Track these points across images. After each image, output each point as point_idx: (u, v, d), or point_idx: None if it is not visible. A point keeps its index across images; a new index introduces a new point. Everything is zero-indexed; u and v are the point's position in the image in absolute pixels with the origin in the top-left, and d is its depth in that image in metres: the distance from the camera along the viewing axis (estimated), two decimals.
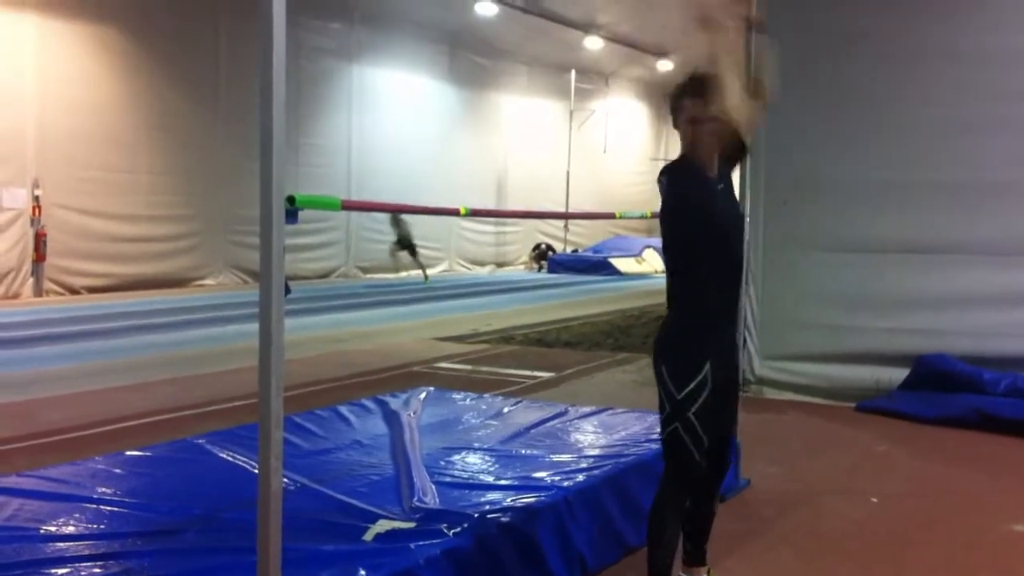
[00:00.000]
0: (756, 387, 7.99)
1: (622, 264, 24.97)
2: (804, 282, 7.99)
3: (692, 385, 3.45)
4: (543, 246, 27.00)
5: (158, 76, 17.70)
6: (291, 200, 2.73)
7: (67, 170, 16.35)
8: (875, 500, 5.30)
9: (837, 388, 7.75)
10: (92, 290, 16.60)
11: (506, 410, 5.86)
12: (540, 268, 26.46)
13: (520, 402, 6.24)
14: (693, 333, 3.55)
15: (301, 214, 2.98)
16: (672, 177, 3.60)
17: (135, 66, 17.40)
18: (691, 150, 3.58)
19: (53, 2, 16.05)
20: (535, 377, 9.12)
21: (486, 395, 6.60)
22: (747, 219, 7.51)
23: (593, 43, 26.22)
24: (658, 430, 5.15)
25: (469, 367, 9.65)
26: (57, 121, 16.18)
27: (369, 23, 22.03)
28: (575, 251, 27.71)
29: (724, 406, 3.67)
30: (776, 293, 7.95)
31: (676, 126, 3.68)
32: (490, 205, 25.86)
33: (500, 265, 26.80)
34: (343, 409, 5.72)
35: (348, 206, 3.11)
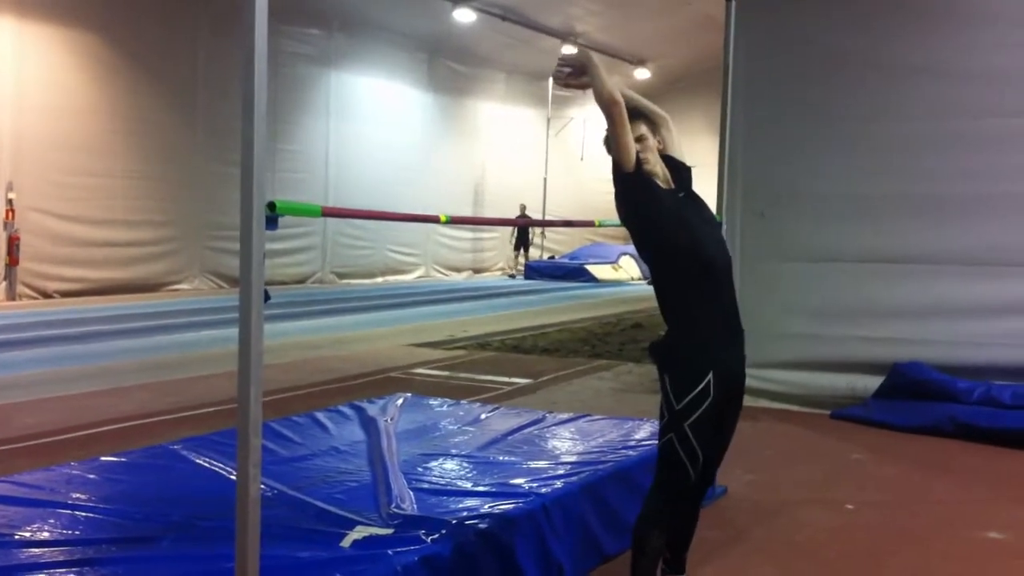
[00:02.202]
0: None
1: (599, 271, 25.05)
2: (780, 291, 8.06)
3: (691, 396, 3.42)
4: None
5: (135, 81, 17.62)
6: (271, 206, 2.71)
7: (42, 174, 16.24)
8: (851, 507, 5.34)
9: (812, 396, 7.81)
10: (66, 294, 16.48)
11: (483, 417, 5.86)
12: (518, 256, 26.48)
13: (497, 409, 6.24)
14: (695, 343, 3.50)
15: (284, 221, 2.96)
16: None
17: (112, 71, 17.31)
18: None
19: (30, 6, 15.96)
20: (512, 384, 9.13)
21: (463, 401, 6.60)
22: (724, 228, 7.60)
23: (572, 51, 26.29)
24: (636, 436, 5.21)
25: (446, 373, 9.65)
26: (33, 125, 16.08)
27: (347, 30, 22.02)
28: (552, 258, 27.78)
29: (724, 421, 3.65)
30: (752, 302, 7.94)
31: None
32: (467, 212, 25.88)
33: (477, 271, 26.82)
34: (320, 415, 5.70)
35: (328, 213, 3.10)
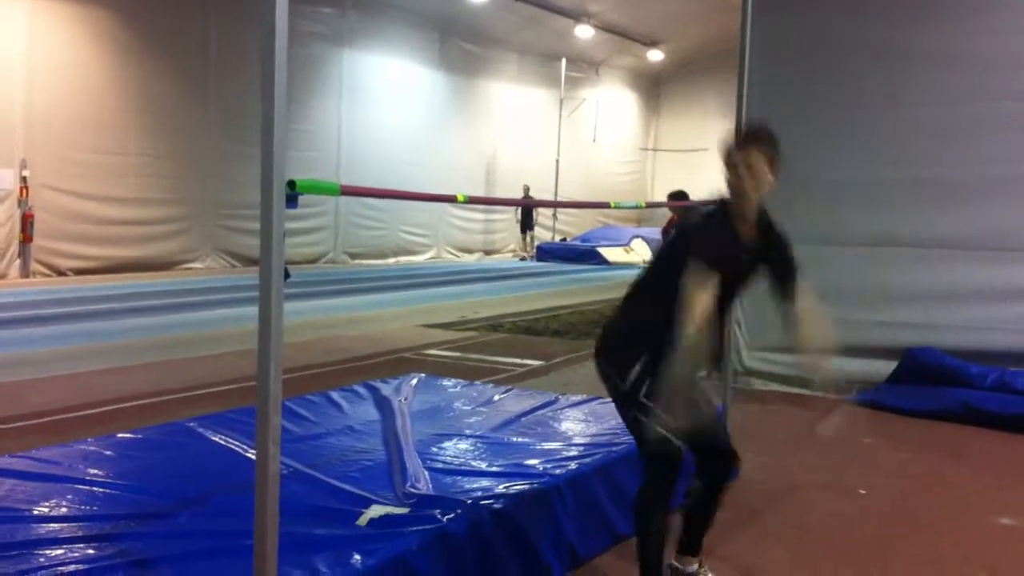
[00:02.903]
0: (744, 378, 8.03)
1: (610, 253, 25.02)
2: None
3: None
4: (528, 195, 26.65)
5: (147, 59, 17.63)
6: (292, 185, 2.72)
7: (56, 152, 16.29)
8: (863, 492, 5.35)
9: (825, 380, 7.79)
10: (79, 272, 16.55)
11: (496, 398, 5.87)
12: (526, 238, 26.49)
13: (510, 390, 6.25)
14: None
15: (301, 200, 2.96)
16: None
17: (124, 49, 17.32)
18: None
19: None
20: (524, 365, 9.14)
21: (476, 383, 6.61)
22: None
23: (584, 32, 26.20)
24: None
25: (457, 354, 9.67)
26: (47, 103, 16.12)
27: (360, 9, 21.98)
28: (563, 240, 27.74)
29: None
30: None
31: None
32: (479, 192, 25.88)
33: (488, 253, 26.82)
34: (334, 395, 5.72)
35: (347, 192, 3.09)
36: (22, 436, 5.77)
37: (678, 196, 12.19)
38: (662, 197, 25.03)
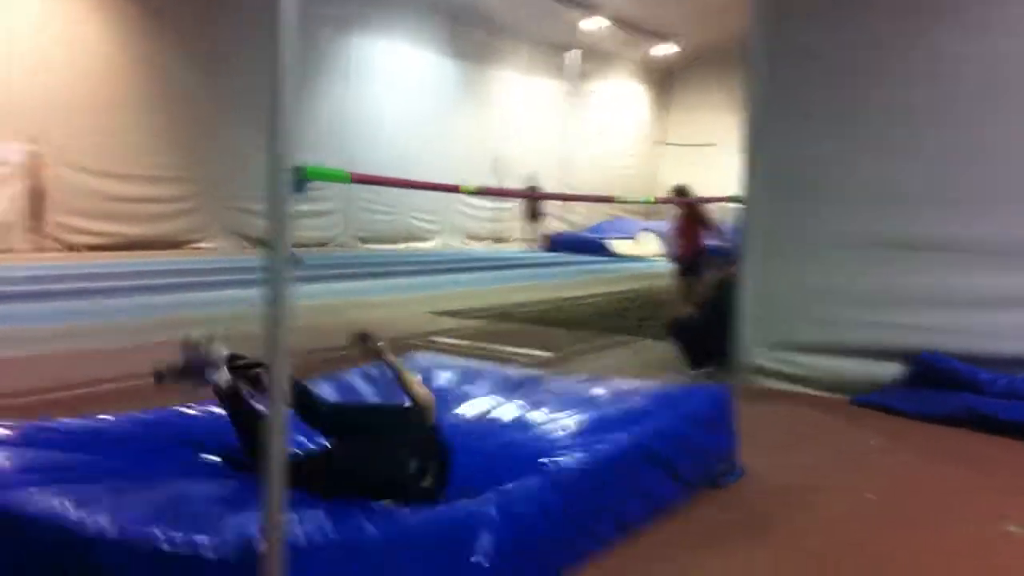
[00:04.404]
0: (752, 376, 7.99)
1: (618, 246, 24.99)
2: (802, 276, 8.00)
3: None
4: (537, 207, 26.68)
5: (161, 40, 17.64)
6: (302, 172, 2.70)
7: (68, 128, 16.32)
8: (871, 497, 5.31)
9: (832, 381, 7.76)
10: (91, 248, 16.57)
11: (518, 377, 5.87)
12: (535, 218, 26.34)
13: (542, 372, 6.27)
14: None
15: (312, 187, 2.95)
16: None
17: (138, 29, 17.34)
18: None
19: None
20: (534, 356, 9.11)
21: (489, 365, 6.53)
22: (746, 212, 7.56)
23: (593, 24, 26.04)
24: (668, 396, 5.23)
25: (467, 343, 9.64)
26: (57, 81, 16.14)
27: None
28: (570, 232, 27.60)
29: None
30: (773, 285, 7.94)
31: None
32: (485, 182, 25.72)
33: (497, 241, 26.77)
34: (350, 376, 5.64)
35: (358, 180, 3.08)
36: (35, 410, 5.76)
37: (680, 192, 12.15)
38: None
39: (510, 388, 5.59)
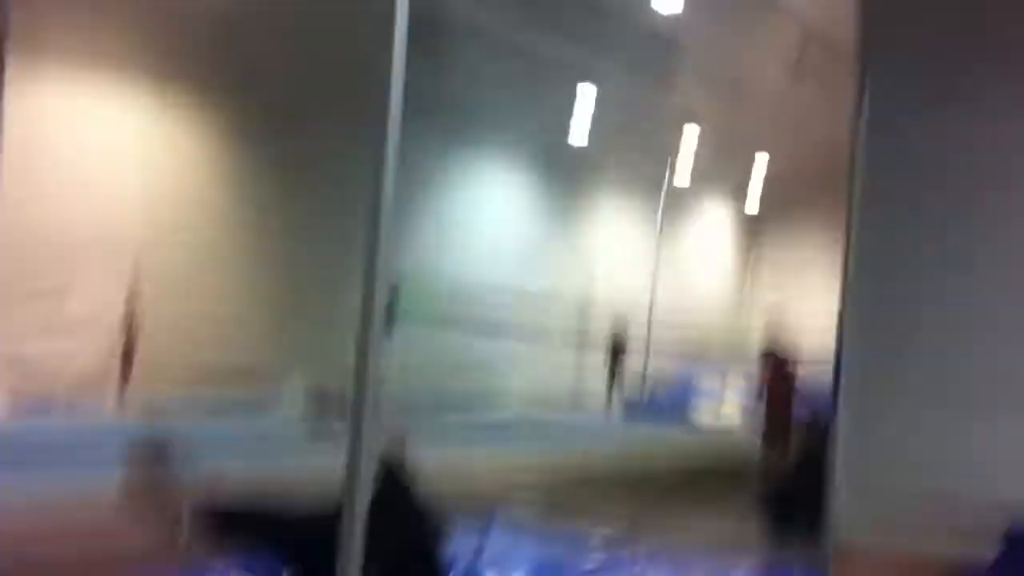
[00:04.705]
0: (844, 552, 7.53)
1: (703, 413, 24.27)
2: (899, 441, 7.64)
3: None
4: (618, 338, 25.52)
5: (247, 157, 18.13)
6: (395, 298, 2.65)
7: (159, 258, 16.41)
8: None
9: (936, 556, 7.28)
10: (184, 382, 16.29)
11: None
12: (615, 363, 25.43)
13: None
14: None
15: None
16: None
17: (233, 154, 17.88)
18: None
19: (158, 92, 16.66)
20: (614, 526, 8.83)
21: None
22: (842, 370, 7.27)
23: (681, 166, 25.96)
24: None
25: (545, 509, 9.36)
26: (159, 212, 16.54)
27: (460, 139, 22.02)
28: (651, 398, 26.02)
29: None
30: (871, 451, 7.58)
31: None
32: (572, 326, 25.30)
33: (576, 406, 25.45)
34: None
35: (446, 322, 3.02)
36: None
37: (771, 353, 11.68)
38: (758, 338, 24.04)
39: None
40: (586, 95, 24.02)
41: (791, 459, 9.64)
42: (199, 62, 16.85)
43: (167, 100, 16.85)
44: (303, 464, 8.78)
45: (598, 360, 25.79)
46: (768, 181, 30.56)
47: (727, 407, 24.59)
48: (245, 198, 18.18)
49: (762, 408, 11.48)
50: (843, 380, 7.36)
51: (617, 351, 25.29)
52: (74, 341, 15.33)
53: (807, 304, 27.44)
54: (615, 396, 25.31)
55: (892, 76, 7.23)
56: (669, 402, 25.13)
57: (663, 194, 27.04)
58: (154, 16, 16.14)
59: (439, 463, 6.16)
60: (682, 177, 28.51)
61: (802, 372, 11.51)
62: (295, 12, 17.41)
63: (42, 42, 14.24)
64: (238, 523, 4.13)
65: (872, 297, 7.68)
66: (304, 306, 18.40)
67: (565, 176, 25.76)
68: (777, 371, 11.24)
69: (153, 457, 4.15)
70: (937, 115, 7.48)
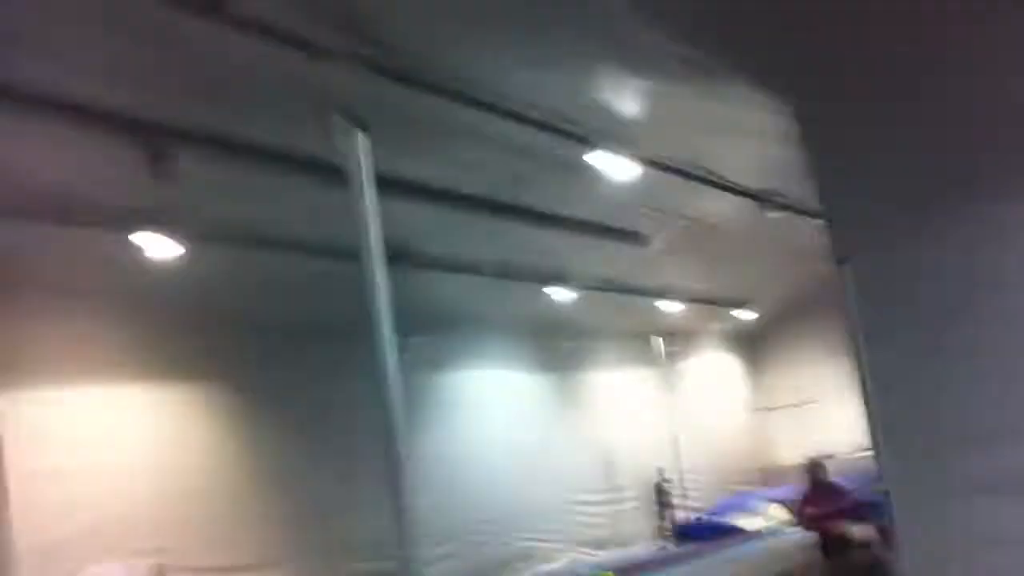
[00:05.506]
0: None
1: (748, 523, 23.94)
2: (948, 530, 7.34)
3: None
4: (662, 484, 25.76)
5: (264, 426, 17.98)
6: None
7: (185, 534, 16.20)
8: None
9: None
10: None
11: None
12: (664, 510, 25.46)
13: None
14: None
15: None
16: None
17: (242, 419, 17.75)
18: None
19: (160, 373, 16.61)
20: None
21: None
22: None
23: (670, 307, 26.26)
24: None
25: None
26: (175, 488, 16.28)
27: (456, 331, 22.19)
28: (699, 519, 26.39)
29: None
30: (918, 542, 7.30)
31: None
32: (600, 484, 25.16)
33: (620, 545, 25.43)
34: None
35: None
36: None
37: (815, 468, 11.40)
38: (784, 453, 24.17)
39: None
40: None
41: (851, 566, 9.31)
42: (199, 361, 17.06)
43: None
44: None
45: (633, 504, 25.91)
46: (761, 316, 30.66)
47: (771, 513, 24.33)
48: (260, 466, 18.03)
49: (806, 516, 11.23)
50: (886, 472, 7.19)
51: (661, 492, 25.80)
52: None
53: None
54: (665, 527, 25.55)
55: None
56: (711, 524, 24.94)
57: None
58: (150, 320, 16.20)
59: None
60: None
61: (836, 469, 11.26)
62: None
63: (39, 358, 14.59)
64: None
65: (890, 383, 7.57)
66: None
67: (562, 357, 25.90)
68: (815, 478, 11.02)
69: None
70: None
